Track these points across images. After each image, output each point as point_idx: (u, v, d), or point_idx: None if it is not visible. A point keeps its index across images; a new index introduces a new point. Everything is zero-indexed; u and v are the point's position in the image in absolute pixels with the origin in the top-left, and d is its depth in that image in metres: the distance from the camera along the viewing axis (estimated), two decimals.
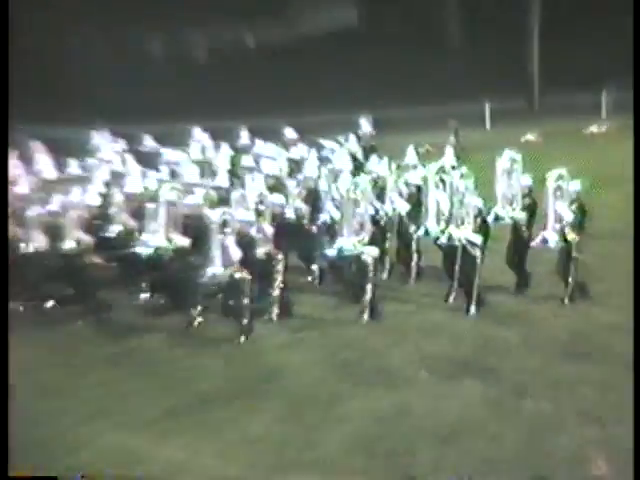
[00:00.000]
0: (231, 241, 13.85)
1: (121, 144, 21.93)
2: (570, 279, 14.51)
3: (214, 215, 13.95)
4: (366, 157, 19.78)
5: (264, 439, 10.57)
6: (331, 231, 15.56)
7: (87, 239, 15.23)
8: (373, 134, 22.49)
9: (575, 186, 14.72)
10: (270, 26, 45.07)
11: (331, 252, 14.63)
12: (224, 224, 13.88)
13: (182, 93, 38.22)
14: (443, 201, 15.05)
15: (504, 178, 15.31)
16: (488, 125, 33.25)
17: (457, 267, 14.74)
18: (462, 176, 15.17)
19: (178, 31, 46.81)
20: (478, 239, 14.51)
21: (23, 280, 14.81)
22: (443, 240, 14.69)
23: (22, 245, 15.14)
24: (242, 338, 13.70)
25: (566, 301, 14.47)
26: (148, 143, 21.87)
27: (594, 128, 30.21)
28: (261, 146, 20.51)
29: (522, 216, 15.15)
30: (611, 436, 9.97)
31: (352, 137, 21.30)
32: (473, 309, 14.44)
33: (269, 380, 12.22)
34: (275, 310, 14.49)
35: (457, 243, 14.52)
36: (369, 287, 14.44)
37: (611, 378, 11.41)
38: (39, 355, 13.58)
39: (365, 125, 22.44)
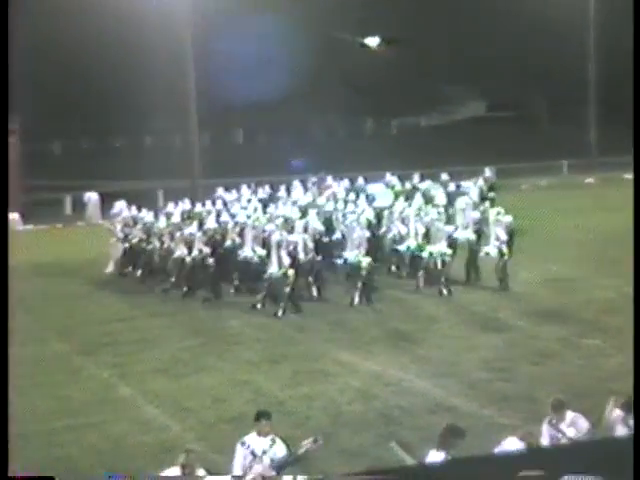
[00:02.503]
0: (284, 252, 19.64)
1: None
2: (502, 276, 20.97)
3: (275, 236, 20.11)
4: (488, 193, 28.17)
5: None
6: (340, 246, 21.79)
7: (206, 249, 21.61)
8: (494, 179, 30.97)
9: (508, 219, 21.56)
10: (435, 114, 69.95)
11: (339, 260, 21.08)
12: (279, 243, 19.77)
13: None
14: (419, 227, 21.84)
15: (461, 213, 22.60)
16: (565, 172, 47.31)
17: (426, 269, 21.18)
18: (439, 213, 22.20)
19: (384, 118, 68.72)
20: (449, 251, 20.99)
21: (170, 275, 22.37)
22: (424, 254, 21.12)
23: (177, 253, 22.01)
24: (280, 312, 19.32)
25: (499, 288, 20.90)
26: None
27: (628, 175, 35.84)
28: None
29: (473, 237, 21.93)
30: None
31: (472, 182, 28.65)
32: (445, 292, 20.61)
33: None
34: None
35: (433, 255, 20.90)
36: (359, 284, 20.06)
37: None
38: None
39: (487, 172, 30.38)
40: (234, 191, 28.27)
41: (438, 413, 13.48)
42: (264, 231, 21.54)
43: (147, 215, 25.04)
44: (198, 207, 25.77)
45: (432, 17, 58.91)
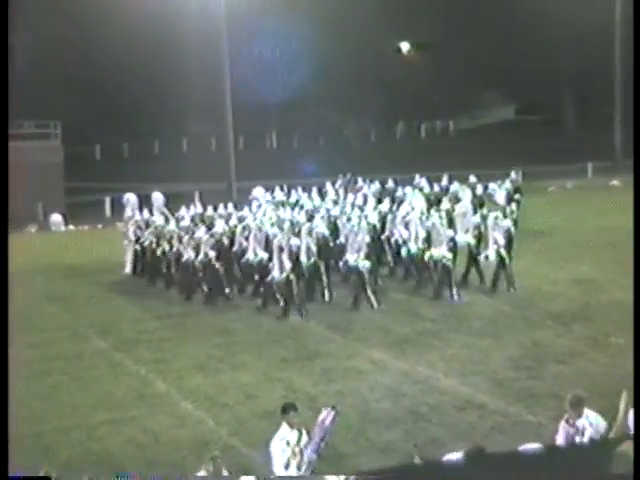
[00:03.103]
0: (285, 256, 19.59)
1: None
2: (503, 277, 20.83)
3: (276, 240, 20.14)
4: (514, 195, 28.12)
5: None
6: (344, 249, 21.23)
7: (212, 253, 21.41)
8: (519, 182, 30.58)
9: (507, 223, 21.47)
10: (464, 118, 69.99)
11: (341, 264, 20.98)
12: (281, 247, 19.73)
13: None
14: (420, 231, 21.45)
15: (460, 218, 22.79)
16: (590, 175, 46.33)
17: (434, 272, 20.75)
18: (440, 217, 21.53)
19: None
20: (450, 255, 20.50)
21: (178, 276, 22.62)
22: (426, 257, 20.83)
23: (185, 256, 21.97)
24: (285, 313, 19.42)
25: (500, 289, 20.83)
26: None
27: None
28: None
29: (473, 241, 21.64)
30: None
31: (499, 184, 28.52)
32: (455, 294, 20.26)
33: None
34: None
35: (436, 258, 20.50)
36: (360, 286, 20.04)
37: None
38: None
39: (513, 175, 30.03)
40: (268, 193, 28.35)
41: (466, 410, 13.45)
42: (267, 235, 21.39)
43: (158, 218, 25.00)
44: (210, 211, 25.55)
45: (462, 22, 58.65)
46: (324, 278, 20.84)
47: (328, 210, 24.46)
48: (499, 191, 27.93)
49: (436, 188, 28.56)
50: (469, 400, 13.89)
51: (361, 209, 24.26)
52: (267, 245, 21.24)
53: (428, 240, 21.22)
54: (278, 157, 54.28)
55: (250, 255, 21.42)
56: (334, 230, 22.92)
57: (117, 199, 37.76)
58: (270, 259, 20.40)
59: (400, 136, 67.73)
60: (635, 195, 23.91)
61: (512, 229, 22.02)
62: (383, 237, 23.22)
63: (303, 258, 20.31)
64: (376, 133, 66.46)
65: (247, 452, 12.18)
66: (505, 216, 24.15)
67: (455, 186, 28.39)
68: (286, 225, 21.62)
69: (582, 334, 17.21)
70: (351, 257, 20.27)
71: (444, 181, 29.03)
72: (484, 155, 47.46)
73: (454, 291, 20.31)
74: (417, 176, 29.63)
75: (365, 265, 20.03)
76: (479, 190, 27.99)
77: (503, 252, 20.79)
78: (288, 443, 9.50)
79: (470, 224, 22.18)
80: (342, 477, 8.27)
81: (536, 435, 11.59)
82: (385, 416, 13.41)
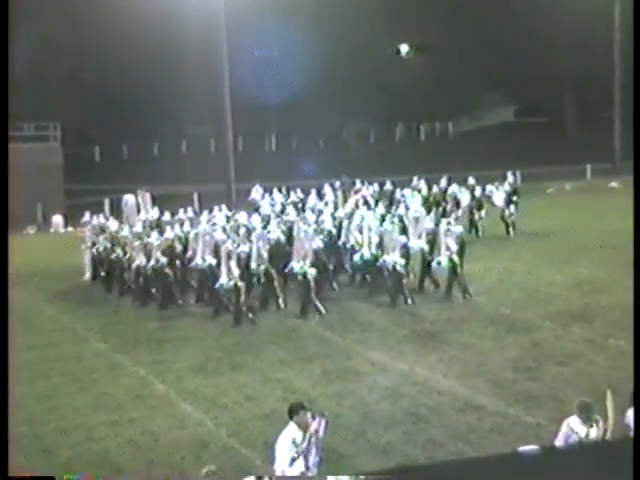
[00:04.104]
0: (233, 263, 19.33)
1: None
2: (455, 284, 20.36)
3: (224, 246, 19.86)
4: (512, 196, 28.09)
5: None
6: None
7: (163, 258, 21.17)
8: (517, 184, 31.60)
9: (459, 229, 21.24)
10: (464, 120, 70.28)
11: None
12: (229, 253, 19.55)
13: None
14: (373, 237, 21.19)
15: (414, 223, 22.00)
16: (589, 177, 46.46)
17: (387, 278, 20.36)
18: (392, 223, 21.23)
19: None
20: (403, 261, 20.27)
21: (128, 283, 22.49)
22: (379, 263, 20.40)
23: (136, 262, 21.65)
24: (237, 323, 19.12)
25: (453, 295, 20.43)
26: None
27: None
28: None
29: (426, 247, 21.36)
30: None
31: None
32: (409, 301, 20.05)
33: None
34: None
35: (388, 264, 20.04)
36: (306, 293, 19.49)
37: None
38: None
39: (511, 177, 29.97)
40: (266, 195, 28.36)
41: (465, 411, 13.43)
42: (216, 240, 20.91)
43: (112, 224, 24.77)
44: (166, 215, 25.55)
45: (461, 24, 58.67)
46: (276, 285, 20.32)
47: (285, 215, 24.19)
48: (497, 193, 27.99)
49: (435, 189, 28.65)
50: (468, 401, 13.87)
51: (319, 214, 23.91)
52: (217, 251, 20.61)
53: (381, 246, 20.87)
54: (277, 159, 54.27)
55: (198, 261, 20.92)
56: (290, 236, 22.25)
57: (116, 201, 37.85)
58: (219, 265, 19.96)
59: (399, 138, 67.73)
60: (635, 197, 23.89)
61: (464, 235, 21.81)
62: (340, 243, 22.77)
63: (253, 264, 20.07)
64: (375, 135, 66.46)
65: (246, 453, 12.18)
66: (478, 219, 24.27)
67: (453, 188, 28.47)
68: (242, 231, 21.39)
69: (581, 336, 17.18)
70: (296, 264, 19.77)
71: (443, 183, 29.05)
72: (483, 157, 47.54)
73: (407, 297, 20.00)
74: (415, 178, 29.66)
75: (312, 272, 19.56)
76: (478, 192, 28.04)
77: (455, 258, 20.39)
78: (295, 443, 9.28)
79: (423, 229, 21.85)
80: (342, 477, 8.25)
81: (535, 436, 11.60)
82: (384, 417, 13.40)
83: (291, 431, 9.31)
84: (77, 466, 12.06)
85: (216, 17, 40.49)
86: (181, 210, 25.28)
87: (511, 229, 27.99)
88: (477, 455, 11.28)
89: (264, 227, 22.34)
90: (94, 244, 24.62)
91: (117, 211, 35.65)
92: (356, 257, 21.67)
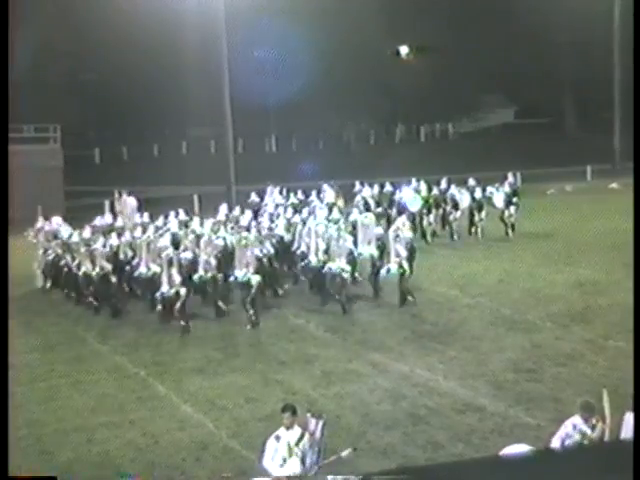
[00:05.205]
0: (174, 270, 19.08)
1: None
2: (406, 292, 19.95)
3: (164, 255, 19.64)
4: (512, 198, 27.89)
5: None
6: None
7: (108, 266, 20.84)
8: (517, 185, 31.17)
9: (408, 234, 21.03)
10: (464, 121, 69.29)
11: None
12: (170, 260, 19.37)
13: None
14: (320, 243, 20.74)
15: (363, 229, 21.49)
16: (589, 178, 45.74)
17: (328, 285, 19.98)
18: (339, 228, 21.11)
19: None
20: (349, 267, 20.04)
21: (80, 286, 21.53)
22: (325, 269, 19.90)
23: (82, 269, 21.02)
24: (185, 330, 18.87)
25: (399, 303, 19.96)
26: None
27: None
28: None
29: (376, 253, 21.04)
30: None
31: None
32: (346, 308, 19.59)
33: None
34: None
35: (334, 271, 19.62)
36: (248, 300, 18.91)
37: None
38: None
39: (511, 178, 29.59)
40: (266, 197, 28.33)
41: (466, 413, 13.44)
42: (159, 248, 20.62)
43: (64, 230, 24.31)
44: (119, 221, 25.31)
45: (461, 25, 58.68)
46: (220, 292, 20.09)
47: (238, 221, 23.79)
48: (497, 194, 28.00)
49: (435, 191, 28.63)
50: (468, 403, 13.88)
51: (271, 220, 23.65)
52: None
53: (328, 252, 20.55)
54: (277, 160, 54.26)
55: (142, 269, 20.63)
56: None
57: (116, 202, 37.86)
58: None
59: (399, 139, 67.72)
60: (635, 198, 23.91)
61: (414, 241, 21.72)
62: (293, 249, 22.47)
63: (201, 271, 19.96)
64: (375, 136, 66.43)
65: (247, 454, 12.18)
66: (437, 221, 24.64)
67: (453, 189, 28.48)
68: (190, 237, 21.26)
69: (582, 337, 17.20)
70: (239, 272, 19.25)
71: (443, 184, 29.07)
72: (484, 158, 47.50)
73: (345, 304, 19.61)
74: (414, 180, 29.54)
75: (256, 279, 19.06)
76: (478, 193, 28.03)
77: (405, 264, 20.14)
78: (278, 439, 9.75)
79: (372, 235, 21.54)
80: (341, 478, 8.27)
81: (535, 437, 11.60)
82: (385, 418, 13.40)
83: (279, 430, 9.84)
84: (78, 468, 12.08)
85: (216, 18, 40.47)
86: (172, 213, 24.88)
87: (510, 230, 27.99)
88: (478, 456, 11.28)
89: (215, 232, 21.97)
90: (46, 251, 24.15)
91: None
92: (302, 263, 21.44)
